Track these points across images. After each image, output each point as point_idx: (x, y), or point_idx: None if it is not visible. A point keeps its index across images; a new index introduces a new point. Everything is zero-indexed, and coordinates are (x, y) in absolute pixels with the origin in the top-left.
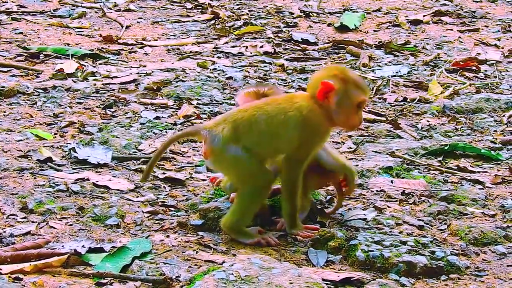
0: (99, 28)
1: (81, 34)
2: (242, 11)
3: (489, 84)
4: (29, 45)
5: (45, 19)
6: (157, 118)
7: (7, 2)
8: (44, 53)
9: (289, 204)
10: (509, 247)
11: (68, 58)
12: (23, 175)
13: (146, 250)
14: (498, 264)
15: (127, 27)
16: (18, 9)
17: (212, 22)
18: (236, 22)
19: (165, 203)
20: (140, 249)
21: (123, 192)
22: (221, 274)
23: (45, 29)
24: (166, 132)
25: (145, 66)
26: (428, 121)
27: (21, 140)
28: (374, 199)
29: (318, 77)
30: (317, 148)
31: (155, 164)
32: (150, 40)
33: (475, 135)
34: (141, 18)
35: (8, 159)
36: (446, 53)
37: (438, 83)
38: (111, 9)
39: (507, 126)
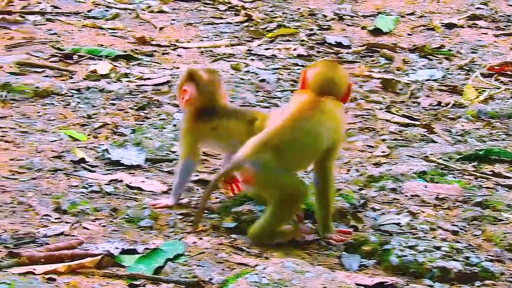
0: (132, 29)
1: (114, 35)
2: (276, 14)
3: None
4: (63, 46)
5: (79, 20)
6: None
7: (41, 3)
8: (78, 54)
9: (323, 207)
10: None
11: (102, 59)
12: (56, 176)
13: (179, 252)
14: None
15: (160, 28)
16: (52, 10)
17: (246, 24)
18: (269, 24)
19: (198, 206)
20: (174, 251)
21: (156, 194)
22: (254, 277)
23: (79, 30)
24: None
25: (178, 68)
26: (462, 125)
27: (55, 140)
28: (408, 204)
29: (339, 79)
30: None
31: (204, 207)
32: (183, 42)
33: (510, 140)
34: (174, 19)
35: (42, 160)
36: (480, 57)
37: (473, 87)
38: (144, 10)
39: None
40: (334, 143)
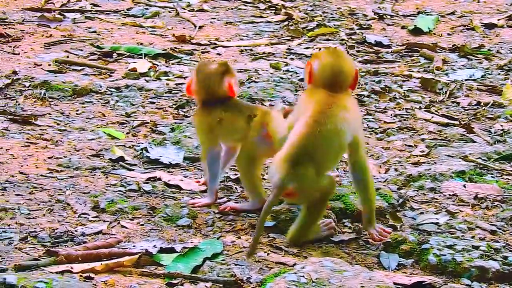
0: (172, 27)
1: (154, 34)
2: (316, 13)
3: None
4: (102, 44)
5: (119, 18)
6: None
7: (81, 1)
8: (117, 52)
9: (367, 201)
10: None
11: (141, 58)
12: (95, 174)
13: (217, 251)
14: None
15: (200, 27)
16: (91, 7)
17: (286, 23)
18: (309, 23)
19: (252, 237)
20: (211, 250)
21: (195, 193)
22: (293, 276)
23: (119, 28)
24: None
25: None
26: (501, 125)
27: (94, 139)
28: (447, 203)
29: (347, 68)
30: None
31: (259, 237)
32: (223, 41)
33: None
34: (214, 18)
35: (80, 158)
36: None
37: None
38: (184, 9)
39: None
40: (356, 135)
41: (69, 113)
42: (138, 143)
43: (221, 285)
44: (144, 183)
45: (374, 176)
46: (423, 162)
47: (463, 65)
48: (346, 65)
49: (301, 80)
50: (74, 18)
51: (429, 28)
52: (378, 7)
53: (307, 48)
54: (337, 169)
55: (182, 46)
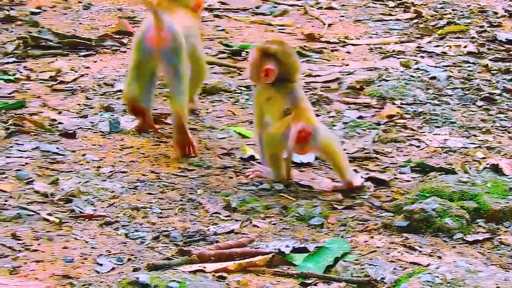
0: (301, 26)
1: (283, 32)
2: (446, 10)
3: None
4: (231, 42)
5: (247, 17)
6: (360, 117)
7: None
8: (246, 50)
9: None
10: None
11: None
12: (226, 173)
13: (345, 251)
14: None
15: (329, 25)
16: (220, 6)
17: (415, 21)
18: (439, 21)
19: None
20: (339, 249)
21: (327, 192)
22: (427, 277)
23: (247, 27)
24: (369, 131)
25: (347, 65)
26: None
27: (224, 137)
28: None
29: None
30: None
31: None
32: (352, 39)
33: None
34: (343, 16)
35: (211, 157)
36: None
37: None
38: (312, 7)
39: None
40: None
41: (199, 111)
42: None
43: (355, 285)
44: (275, 182)
45: (508, 175)
46: None
47: None
48: None
49: (432, 78)
50: (203, 17)
51: None
52: (509, 4)
53: (437, 46)
54: (470, 168)
55: (311, 45)
